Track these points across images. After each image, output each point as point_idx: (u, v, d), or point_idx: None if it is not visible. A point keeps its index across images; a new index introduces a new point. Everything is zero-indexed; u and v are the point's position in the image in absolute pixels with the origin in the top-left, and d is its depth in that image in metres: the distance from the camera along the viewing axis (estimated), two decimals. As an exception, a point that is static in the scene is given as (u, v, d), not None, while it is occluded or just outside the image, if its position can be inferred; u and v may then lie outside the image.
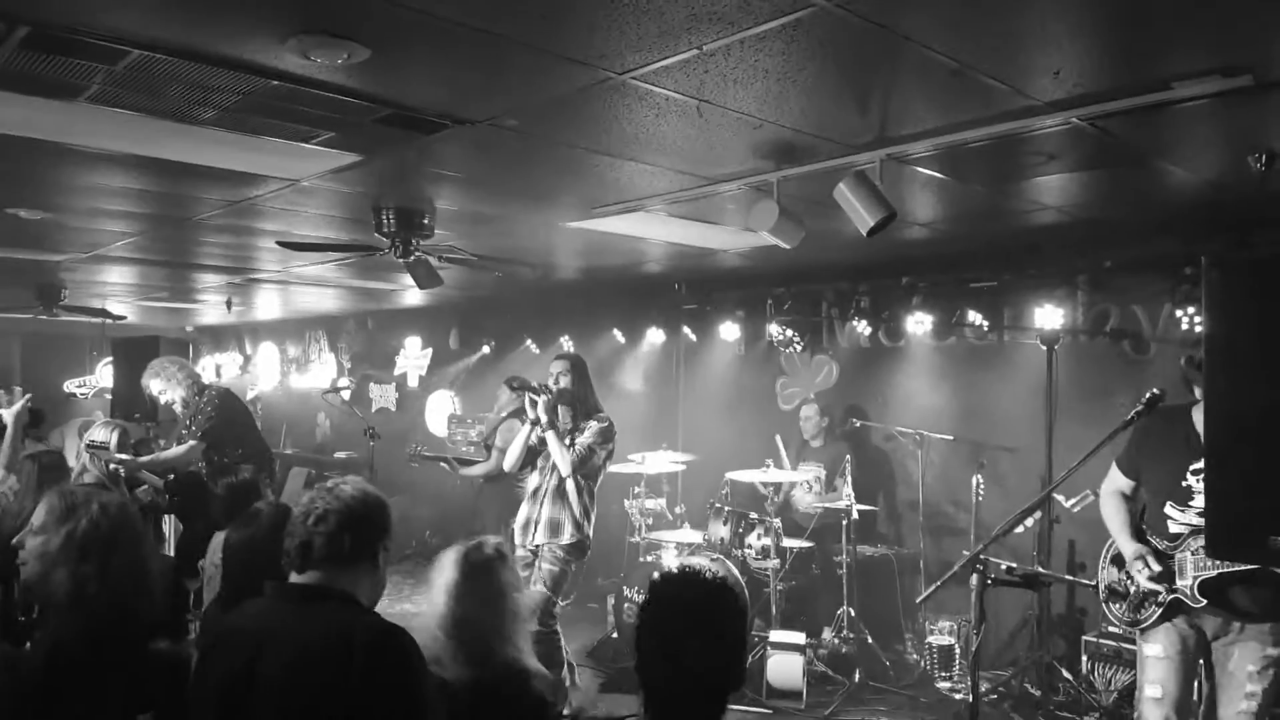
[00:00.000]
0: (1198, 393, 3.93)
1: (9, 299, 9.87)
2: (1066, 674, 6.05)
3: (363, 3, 2.79)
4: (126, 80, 3.37)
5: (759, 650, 6.45)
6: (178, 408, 6.51)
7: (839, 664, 6.69)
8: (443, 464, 8.32)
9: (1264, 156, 4.03)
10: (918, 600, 4.52)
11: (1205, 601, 3.86)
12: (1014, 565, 4.70)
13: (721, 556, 7.06)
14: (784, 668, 6.31)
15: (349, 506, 2.58)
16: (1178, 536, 4.00)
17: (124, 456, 5.78)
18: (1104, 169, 4.56)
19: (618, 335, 9.38)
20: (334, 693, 2.39)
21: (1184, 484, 4.00)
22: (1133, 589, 4.13)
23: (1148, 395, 4.13)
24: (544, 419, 5.51)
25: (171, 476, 6.07)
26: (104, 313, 10.48)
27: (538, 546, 5.57)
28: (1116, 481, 4.33)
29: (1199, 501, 3.88)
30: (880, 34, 2.90)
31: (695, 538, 7.43)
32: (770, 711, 6.08)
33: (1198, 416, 3.95)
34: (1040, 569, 4.71)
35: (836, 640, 6.85)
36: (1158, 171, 4.52)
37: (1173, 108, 3.49)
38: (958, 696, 6.32)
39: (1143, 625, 4.09)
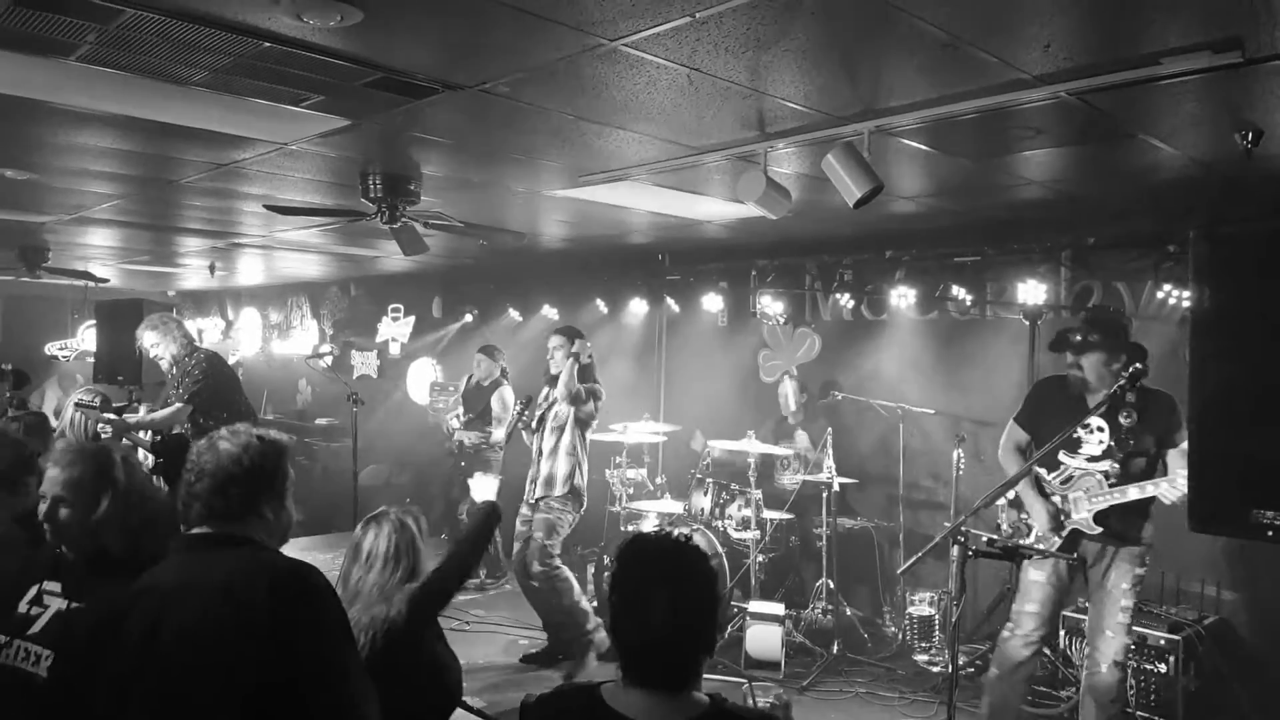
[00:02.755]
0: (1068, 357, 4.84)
1: (-8, 260, 9.79)
2: (1045, 650, 6.12)
3: (357, -37, 2.78)
4: (118, 39, 3.34)
5: (738, 620, 6.52)
6: (164, 364, 6.48)
7: (817, 635, 6.76)
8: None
9: (1250, 134, 4.06)
10: (899, 571, 4.59)
11: (1100, 529, 4.67)
12: (995, 537, 4.80)
13: (702, 527, 7.13)
14: (763, 638, 6.38)
15: (222, 466, 2.51)
16: (1070, 479, 4.80)
17: (112, 416, 5.79)
18: (1090, 144, 4.59)
19: (600, 305, 9.38)
20: (243, 633, 2.33)
21: (1075, 435, 4.80)
22: (1034, 527, 4.89)
23: (1130, 370, 4.21)
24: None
25: (158, 438, 6.08)
26: (87, 275, 10.40)
27: (537, 500, 6.27)
28: (1016, 436, 5.12)
29: (1085, 449, 4.78)
30: (873, 4, 2.91)
31: (676, 508, 7.48)
32: (747, 681, 6.13)
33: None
34: (1020, 542, 4.76)
35: (815, 612, 6.92)
36: (1144, 148, 4.55)
37: (1161, 84, 3.51)
38: (935, 669, 6.38)
39: (1046, 555, 4.81)
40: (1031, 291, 6.44)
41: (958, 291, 6.90)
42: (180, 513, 2.55)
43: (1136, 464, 4.65)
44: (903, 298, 7.12)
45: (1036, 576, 4.85)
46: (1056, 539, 4.74)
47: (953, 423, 7.18)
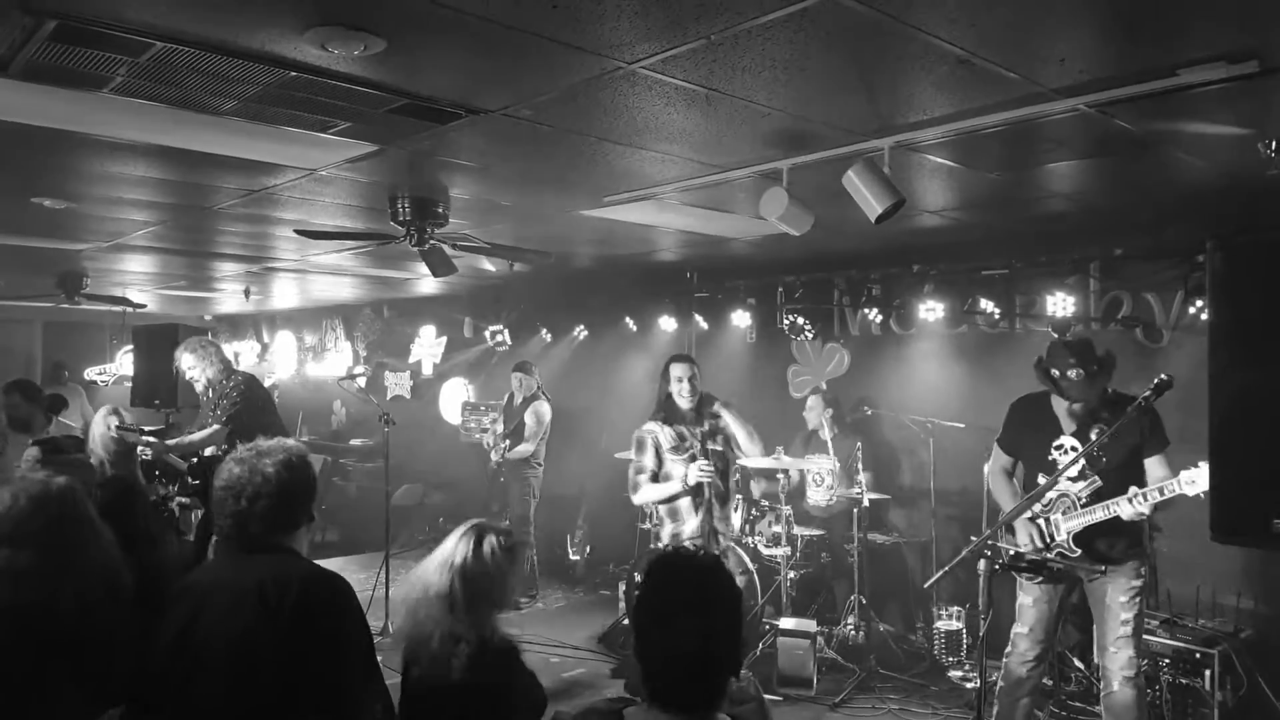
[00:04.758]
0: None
1: (32, 287, 9.98)
2: (1079, 663, 6.04)
3: (378, -6, 2.84)
4: (150, 72, 3.43)
5: (770, 638, 6.50)
6: (199, 387, 6.59)
7: (850, 652, 6.73)
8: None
9: (1274, 143, 4.02)
10: (925, 585, 4.56)
11: (1080, 551, 4.68)
12: (1022, 551, 4.76)
13: (732, 543, 7.11)
14: (794, 655, 6.35)
15: (279, 486, 2.68)
16: (1049, 502, 4.79)
17: (151, 439, 5.89)
18: (1114, 156, 4.58)
19: (630, 323, 9.41)
20: (266, 636, 2.50)
21: (1050, 458, 4.85)
22: (1028, 550, 4.79)
23: (1155, 381, 4.19)
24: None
25: (195, 460, 6.18)
26: (124, 301, 10.61)
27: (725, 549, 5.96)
28: (1001, 460, 5.16)
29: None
30: (886, 23, 2.94)
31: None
32: (781, 699, 6.12)
33: (1056, 402, 4.90)
34: (1048, 555, 4.73)
35: (848, 628, 6.88)
36: (1168, 158, 4.54)
37: (1180, 94, 3.50)
38: (969, 685, 6.31)
39: (1040, 580, 4.83)
40: (1060, 304, 6.40)
41: (986, 305, 6.87)
42: (227, 533, 2.69)
43: (1114, 479, 4.60)
44: (931, 311, 7.10)
45: (1025, 600, 4.91)
46: (1047, 558, 4.73)
47: (983, 436, 7.09)
